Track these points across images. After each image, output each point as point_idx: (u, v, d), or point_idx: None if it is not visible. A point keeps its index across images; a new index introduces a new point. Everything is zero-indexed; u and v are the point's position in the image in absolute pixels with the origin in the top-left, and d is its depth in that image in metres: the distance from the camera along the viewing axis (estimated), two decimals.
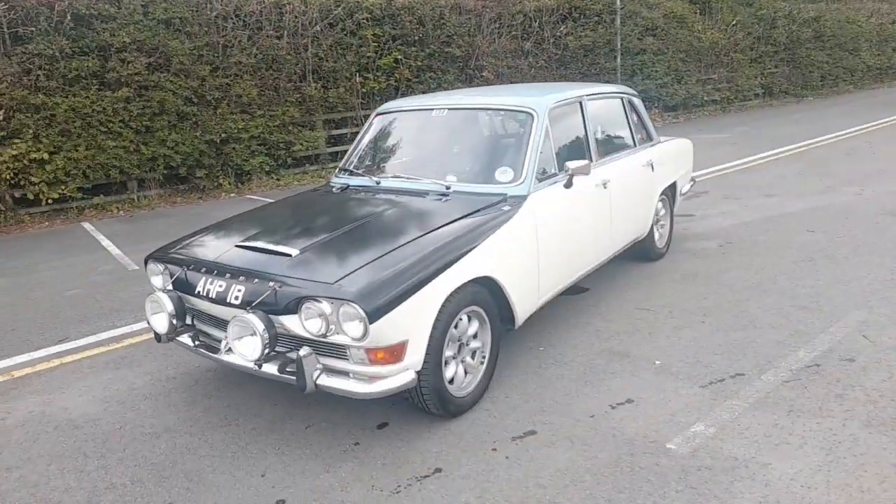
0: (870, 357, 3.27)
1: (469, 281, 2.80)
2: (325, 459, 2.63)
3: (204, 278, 2.80)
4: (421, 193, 3.43)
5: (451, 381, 2.87)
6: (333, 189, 3.82)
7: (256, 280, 2.65)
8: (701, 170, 8.51)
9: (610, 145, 4.45)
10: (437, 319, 2.64)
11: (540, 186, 3.40)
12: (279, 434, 2.84)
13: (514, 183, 3.32)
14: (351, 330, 2.41)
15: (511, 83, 14.21)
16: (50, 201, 9.36)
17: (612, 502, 2.28)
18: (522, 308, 3.23)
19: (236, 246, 2.99)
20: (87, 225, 8.63)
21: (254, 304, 2.53)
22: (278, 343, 2.57)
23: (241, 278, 2.69)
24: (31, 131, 9.07)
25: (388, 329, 2.44)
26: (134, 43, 9.80)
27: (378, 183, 3.66)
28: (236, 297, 2.64)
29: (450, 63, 13.50)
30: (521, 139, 3.50)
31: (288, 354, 2.55)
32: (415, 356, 2.56)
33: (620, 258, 4.75)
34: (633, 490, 2.33)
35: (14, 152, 8.89)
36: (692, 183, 5.68)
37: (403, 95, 12.66)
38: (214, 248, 3.06)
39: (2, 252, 7.10)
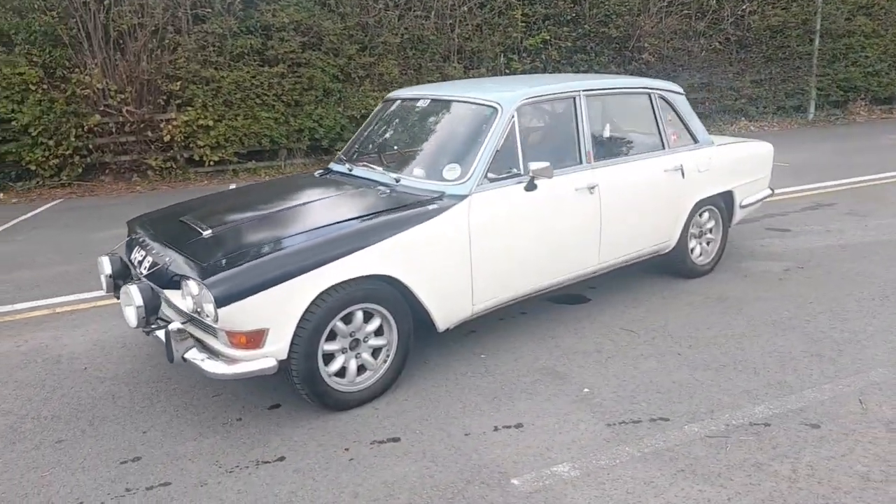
0: (842, 427, 2.71)
1: (361, 277, 2.80)
2: (202, 428, 2.85)
3: (139, 248, 3.14)
4: (372, 185, 3.47)
5: (342, 375, 2.92)
6: (316, 174, 3.99)
7: (162, 254, 2.92)
8: (857, 177, 7.33)
9: (619, 146, 4.07)
10: (308, 311, 2.70)
11: (490, 187, 3.26)
12: (188, 398, 3.12)
13: (457, 181, 3.23)
14: (207, 311, 2.58)
15: (674, 66, 13.23)
16: (212, 163, 10.66)
17: None
18: (444, 313, 3.15)
19: (179, 220, 3.29)
20: (232, 186, 9.74)
21: (144, 276, 2.80)
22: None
23: (155, 252, 2.98)
24: (200, 101, 10.35)
25: (243, 315, 2.57)
26: (292, 23, 10.69)
27: (350, 170, 3.75)
28: (145, 268, 2.93)
29: (605, 44, 12.89)
30: (477, 135, 3.36)
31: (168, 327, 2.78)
32: (277, 345, 2.66)
33: (656, 270, 4.36)
34: None
35: (186, 118, 10.25)
36: (767, 194, 4.95)
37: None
38: (168, 219, 3.39)
39: (172, 201, 8.33)
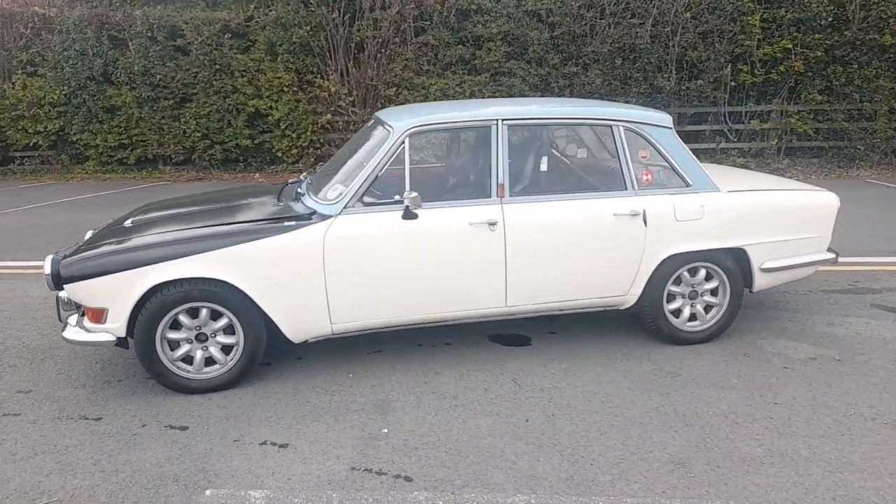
0: None
1: (196, 279, 3.21)
2: (123, 385, 3.53)
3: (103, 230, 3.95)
4: (285, 198, 3.80)
5: (189, 362, 3.37)
6: (289, 181, 4.41)
7: (91, 237, 3.69)
8: None
9: (555, 183, 3.68)
10: (143, 301, 3.20)
11: (362, 210, 3.35)
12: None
13: (331, 202, 3.39)
14: (47, 284, 3.24)
15: None
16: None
17: None
18: (296, 327, 3.36)
19: (141, 210, 4.05)
20: None
21: (69, 251, 3.58)
22: None
23: (95, 233, 3.77)
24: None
25: (82, 293, 3.18)
26: (500, 33, 11.18)
27: (302, 182, 4.10)
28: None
29: (874, 54, 10.72)
30: (366, 159, 3.46)
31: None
32: (115, 324, 3.21)
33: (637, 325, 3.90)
34: None
35: None
36: (820, 259, 3.88)
37: (788, 90, 10.82)
38: (145, 209, 4.16)
39: None
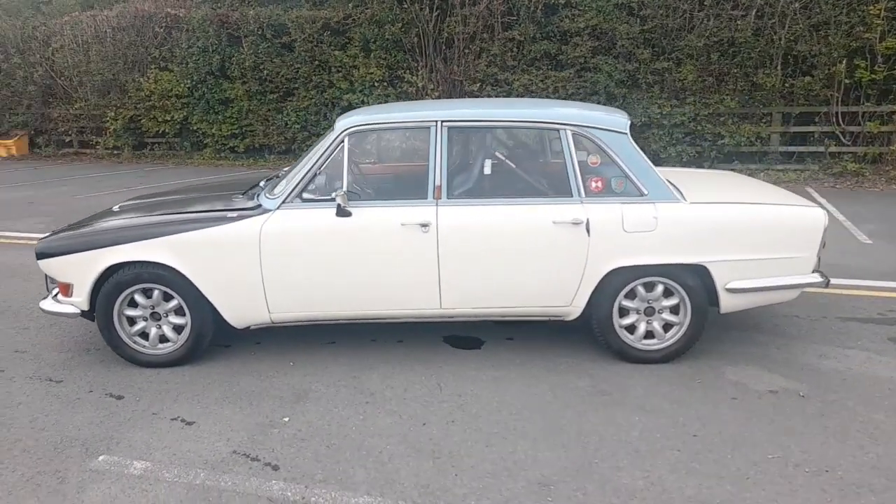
0: None
1: (146, 262, 3.51)
2: (95, 354, 3.94)
3: None
4: (253, 191, 4.01)
5: (146, 338, 3.70)
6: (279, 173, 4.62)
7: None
8: None
9: (497, 186, 3.57)
10: (101, 279, 3.55)
11: (301, 206, 3.49)
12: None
13: (275, 197, 3.57)
14: None
15: None
16: None
17: None
18: (236, 313, 3.56)
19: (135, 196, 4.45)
20: None
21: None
22: None
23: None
24: None
25: (51, 269, 3.58)
26: (587, 28, 10.87)
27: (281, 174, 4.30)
28: None
29: None
30: (311, 157, 3.59)
31: None
32: (79, 298, 3.58)
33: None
34: None
35: None
36: (802, 282, 3.46)
37: None
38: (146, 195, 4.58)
39: None
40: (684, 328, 3.54)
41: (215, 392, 3.40)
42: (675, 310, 3.56)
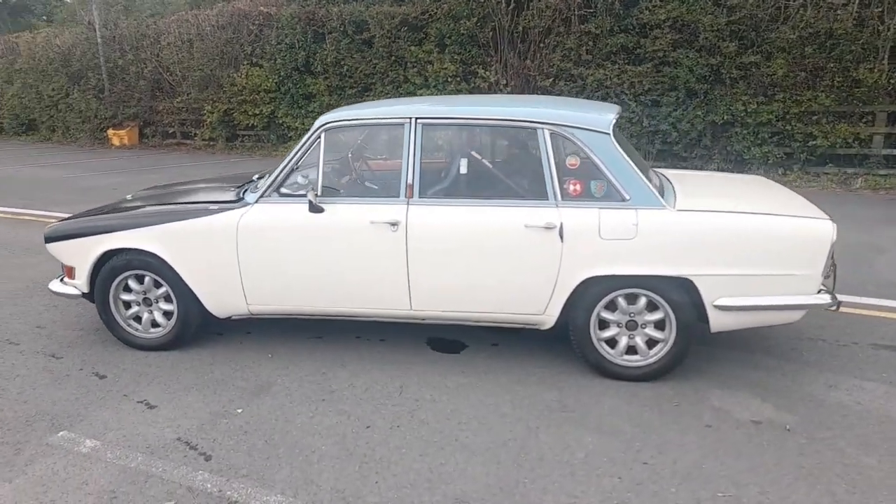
0: None
1: (134, 249, 3.68)
2: (100, 334, 4.19)
3: None
4: (248, 186, 4.10)
5: (139, 321, 3.89)
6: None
7: None
8: None
9: (471, 186, 3.42)
10: (98, 263, 3.76)
11: (278, 201, 3.53)
12: None
13: (256, 191, 3.64)
14: None
15: None
16: None
17: None
18: (216, 303, 3.66)
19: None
20: None
21: None
22: None
23: None
24: (563, 97, 11.16)
25: (57, 253, 3.83)
26: (668, 20, 10.34)
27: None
28: None
29: None
30: (291, 152, 3.61)
31: None
32: (80, 280, 3.80)
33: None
34: None
35: None
36: (806, 303, 3.08)
37: None
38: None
39: None
40: (669, 345, 3.26)
41: (188, 378, 3.51)
42: (660, 325, 3.28)
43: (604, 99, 10.71)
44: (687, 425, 2.95)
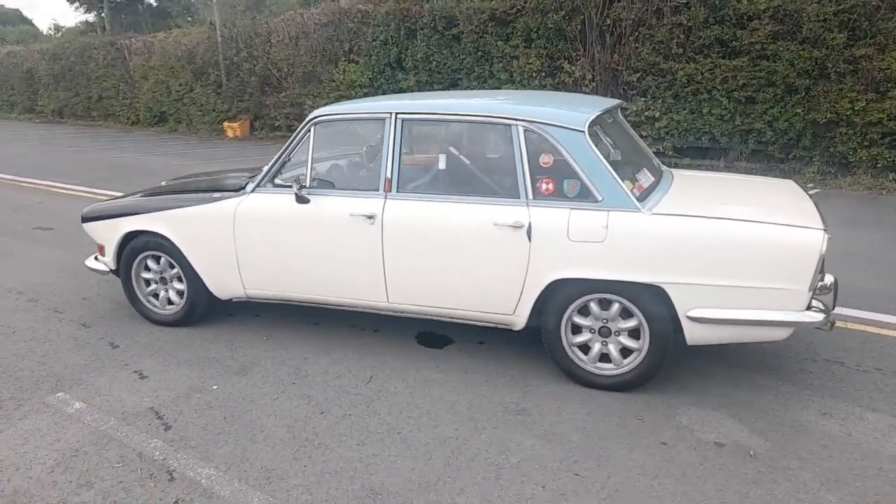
0: None
1: (149, 232, 3.99)
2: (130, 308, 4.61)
3: None
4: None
5: (157, 298, 4.22)
6: None
7: None
8: None
9: (446, 182, 3.38)
10: (122, 242, 4.09)
11: (272, 191, 3.69)
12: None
13: (253, 181, 3.83)
14: None
15: None
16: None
17: None
18: (217, 285, 3.86)
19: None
20: None
21: None
22: None
23: None
24: (651, 92, 10.78)
25: (93, 231, 4.21)
26: (769, 9, 9.67)
27: None
28: None
29: None
30: (286, 144, 3.76)
31: None
32: (109, 258, 4.18)
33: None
34: None
35: (634, 108, 10.92)
36: (789, 319, 2.78)
37: None
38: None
39: None
40: (642, 355, 3.08)
41: (185, 354, 3.76)
42: (634, 334, 3.11)
43: (694, 95, 10.19)
44: (639, 441, 2.78)
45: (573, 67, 11.53)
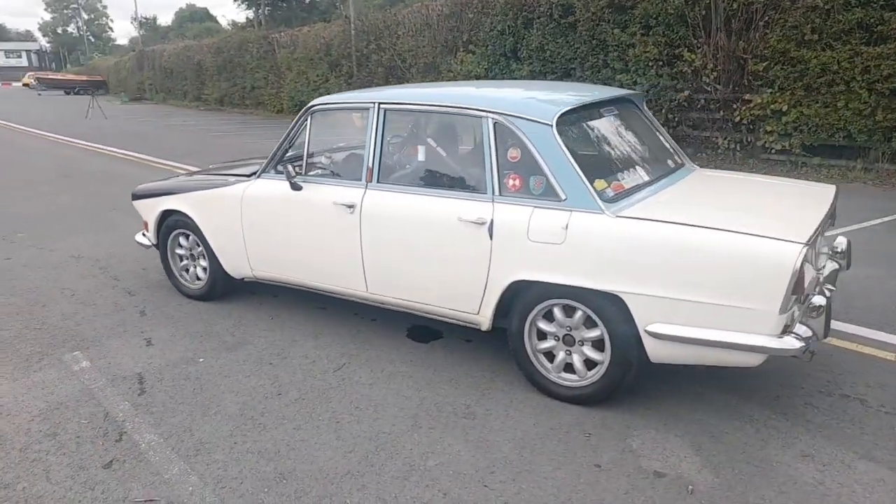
0: None
1: (178, 211, 4.30)
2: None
3: None
4: None
5: (188, 272, 4.55)
6: None
7: None
8: None
9: (425, 174, 3.28)
10: (159, 220, 4.45)
11: (273, 177, 3.82)
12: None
13: (260, 167, 4.00)
14: None
15: None
16: (773, 151, 10.10)
17: None
18: (230, 263, 4.05)
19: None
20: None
21: None
22: None
23: None
24: (779, 83, 9.84)
25: (140, 208, 4.61)
26: None
27: None
28: None
29: None
30: (286, 132, 3.86)
31: None
32: (151, 234, 4.56)
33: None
34: None
35: (760, 100, 10.05)
36: (757, 345, 2.39)
37: None
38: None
39: None
40: (604, 368, 2.83)
41: (195, 327, 4.01)
42: (599, 345, 2.87)
43: (828, 87, 9.11)
44: (573, 460, 2.56)
45: (693, 56, 10.74)
